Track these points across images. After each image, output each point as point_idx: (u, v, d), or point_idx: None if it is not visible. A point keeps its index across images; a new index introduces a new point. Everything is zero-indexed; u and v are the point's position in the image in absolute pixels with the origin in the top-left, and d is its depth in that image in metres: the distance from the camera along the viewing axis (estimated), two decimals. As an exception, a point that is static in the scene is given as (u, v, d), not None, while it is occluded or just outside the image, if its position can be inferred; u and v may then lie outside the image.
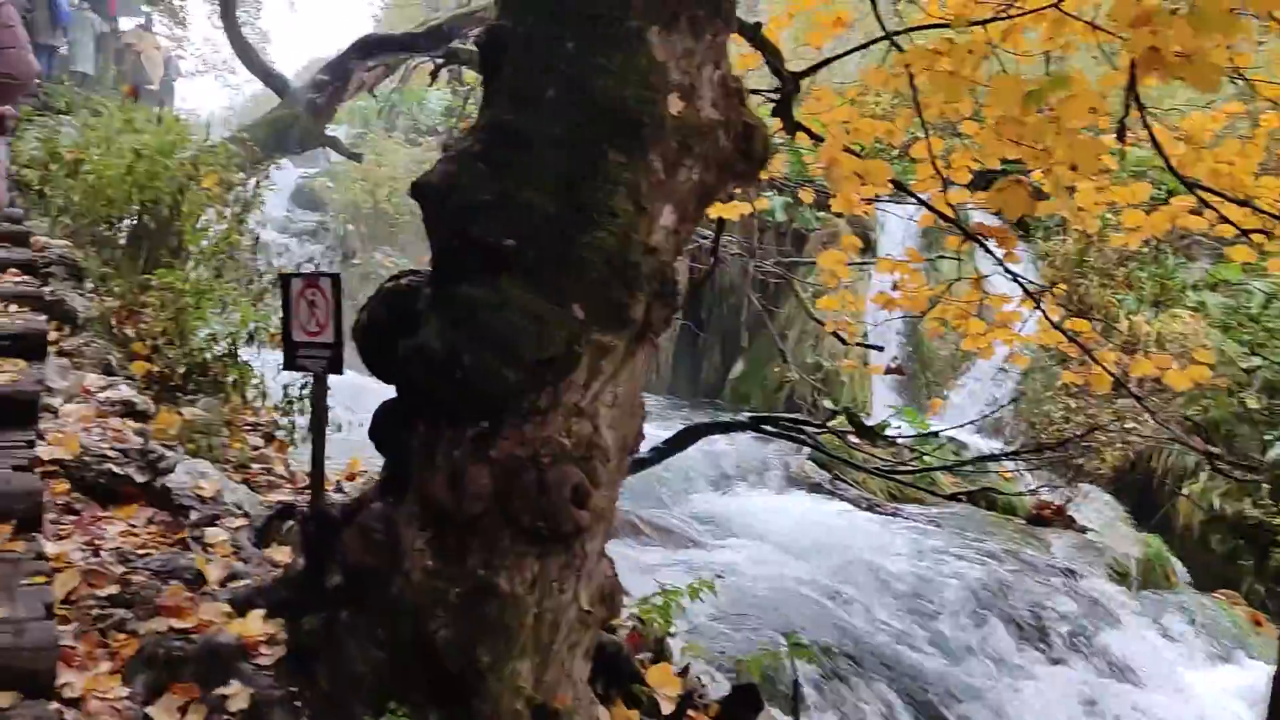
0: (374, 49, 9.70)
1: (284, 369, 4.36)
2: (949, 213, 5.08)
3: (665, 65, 2.68)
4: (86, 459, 4.19)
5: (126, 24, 17.83)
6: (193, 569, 3.21)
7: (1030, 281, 6.13)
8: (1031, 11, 4.29)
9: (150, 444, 4.77)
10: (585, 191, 2.60)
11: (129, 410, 5.12)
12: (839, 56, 5.00)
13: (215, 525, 4.01)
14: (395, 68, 11.23)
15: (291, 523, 4.19)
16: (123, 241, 7.55)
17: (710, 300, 12.88)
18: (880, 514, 7.97)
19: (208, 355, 6.09)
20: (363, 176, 11.76)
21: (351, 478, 6.13)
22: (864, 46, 5.00)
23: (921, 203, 5.17)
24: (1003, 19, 4.37)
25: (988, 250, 5.33)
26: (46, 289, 6.09)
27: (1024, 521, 8.29)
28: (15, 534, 2.86)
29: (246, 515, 4.17)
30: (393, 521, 2.66)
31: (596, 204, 2.60)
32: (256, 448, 6.01)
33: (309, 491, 5.63)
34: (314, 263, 11.58)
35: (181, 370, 6.13)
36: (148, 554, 3.32)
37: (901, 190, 5.49)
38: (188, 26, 22.14)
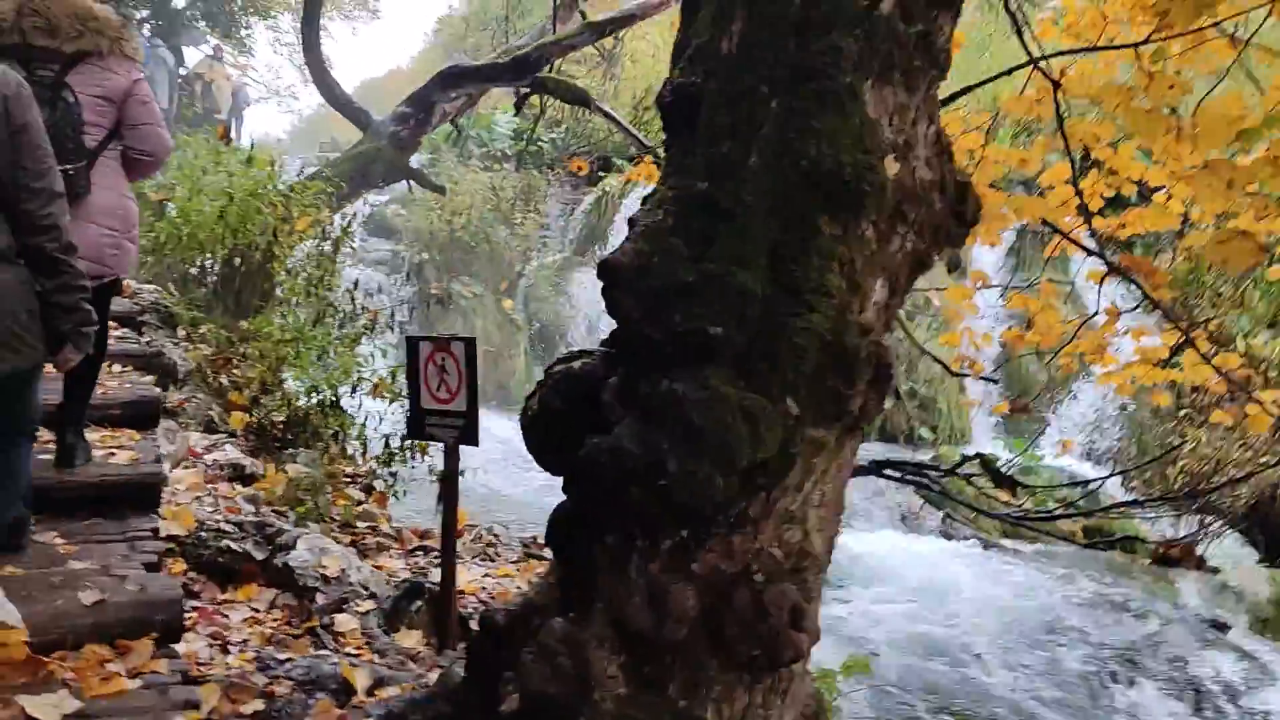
0: (458, 80, 9.51)
1: (409, 437, 4.11)
2: (1089, 243, 4.73)
3: (878, 123, 2.36)
4: (202, 534, 3.98)
5: (190, 55, 18.01)
6: (337, 677, 2.94)
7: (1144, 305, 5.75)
8: (1193, 31, 3.92)
9: (265, 513, 4.55)
10: (796, 268, 2.29)
11: (237, 473, 4.92)
12: (984, 83, 4.63)
13: (343, 610, 3.76)
14: (478, 98, 11.05)
15: (420, 603, 3.92)
16: (211, 282, 7.41)
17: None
18: (998, 554, 7.55)
19: (308, 406, 5.89)
20: (437, 203, 11.58)
21: (460, 534, 5.88)
22: (1009, 72, 4.63)
23: (1064, 235, 4.82)
24: (1161, 39, 4.00)
25: (1136, 284, 4.96)
26: (143, 339, 5.94)
27: (1149, 561, 7.80)
28: (156, 648, 2.61)
29: (373, 596, 3.91)
30: (579, 644, 2.35)
31: (808, 282, 2.28)
32: (359, 502, 5.80)
33: (419, 552, 5.39)
34: (384, 293, 11.46)
35: (281, 421, 5.94)
36: (288, 659, 3.06)
37: (1046, 224, 5.15)
38: (254, 55, 22.32)
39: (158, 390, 4.42)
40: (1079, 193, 4.39)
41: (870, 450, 10.97)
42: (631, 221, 2.45)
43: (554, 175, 14.26)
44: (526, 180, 13.40)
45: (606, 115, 9.63)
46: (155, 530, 3.31)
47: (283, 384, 6.15)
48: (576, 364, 2.64)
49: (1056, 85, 3.96)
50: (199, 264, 7.43)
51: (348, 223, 7.52)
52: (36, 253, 2.67)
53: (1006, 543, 7.73)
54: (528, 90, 9.78)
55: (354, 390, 5.74)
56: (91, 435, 3.94)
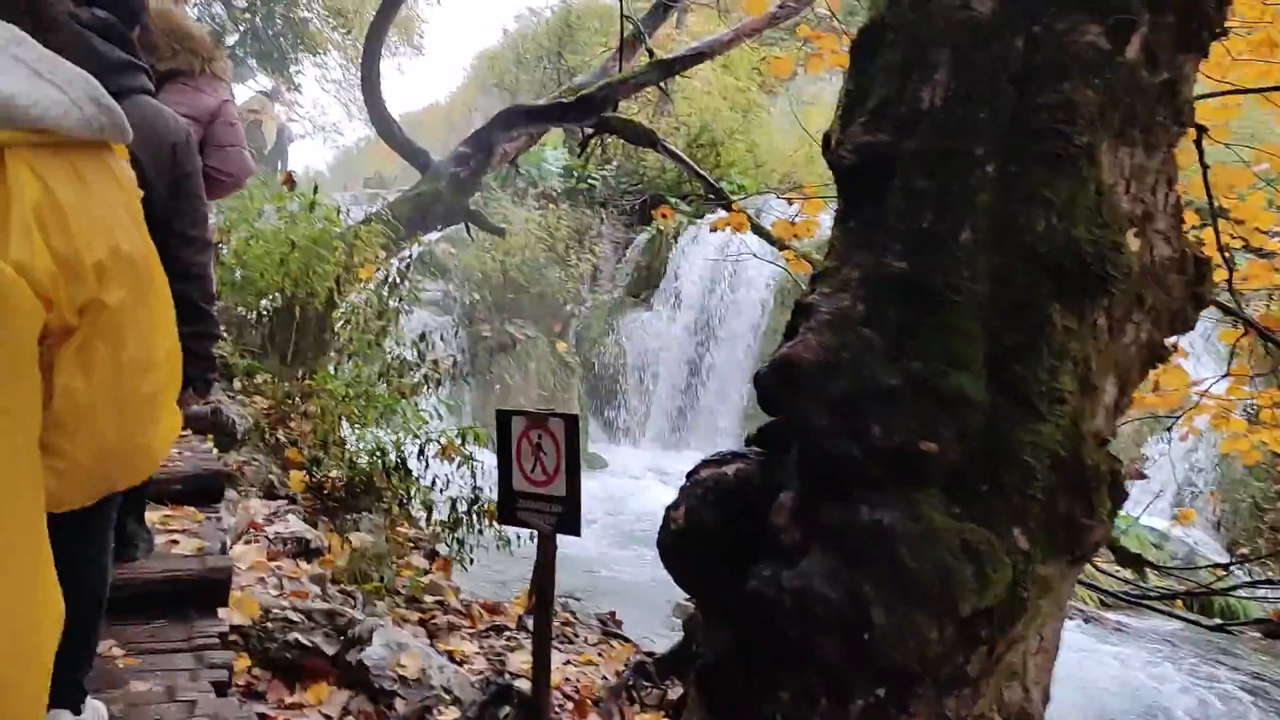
0: (519, 120, 9.22)
1: (500, 522, 3.71)
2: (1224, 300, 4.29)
3: (1115, 190, 1.95)
4: (269, 625, 3.59)
5: (238, 91, 17.96)
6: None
7: None
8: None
9: (332, 596, 4.17)
10: (1022, 369, 1.87)
11: (301, 548, 4.55)
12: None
13: (426, 719, 3.36)
14: (538, 138, 10.78)
15: (508, 710, 3.51)
16: (265, 327, 7.10)
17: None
18: (1101, 628, 7.01)
19: (371, 466, 5.52)
20: (490, 243, 11.28)
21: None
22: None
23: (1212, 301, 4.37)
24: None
25: (1275, 343, 4.55)
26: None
27: (1261, 635, 7.22)
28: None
29: (457, 701, 3.50)
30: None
31: (1038, 386, 1.87)
32: (425, 572, 5.42)
33: (491, 633, 4.98)
34: (434, 332, 11.10)
35: (342, 482, 5.58)
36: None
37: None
38: (301, 91, 22.34)
39: (221, 464, 4.06)
40: (1222, 249, 3.98)
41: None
42: (804, 308, 2.04)
43: (605, 213, 13.95)
44: (578, 219, 13.09)
45: (674, 156, 9.29)
46: (223, 636, 2.93)
47: (344, 442, 5.80)
48: (729, 469, 2.23)
49: (1202, 131, 3.54)
50: (255, 309, 7.13)
51: (407, 267, 7.20)
52: (181, 299, 2.48)
53: (1108, 616, 7.19)
54: (592, 131, 9.47)
55: (421, 453, 5.37)
56: (151, 515, 3.59)
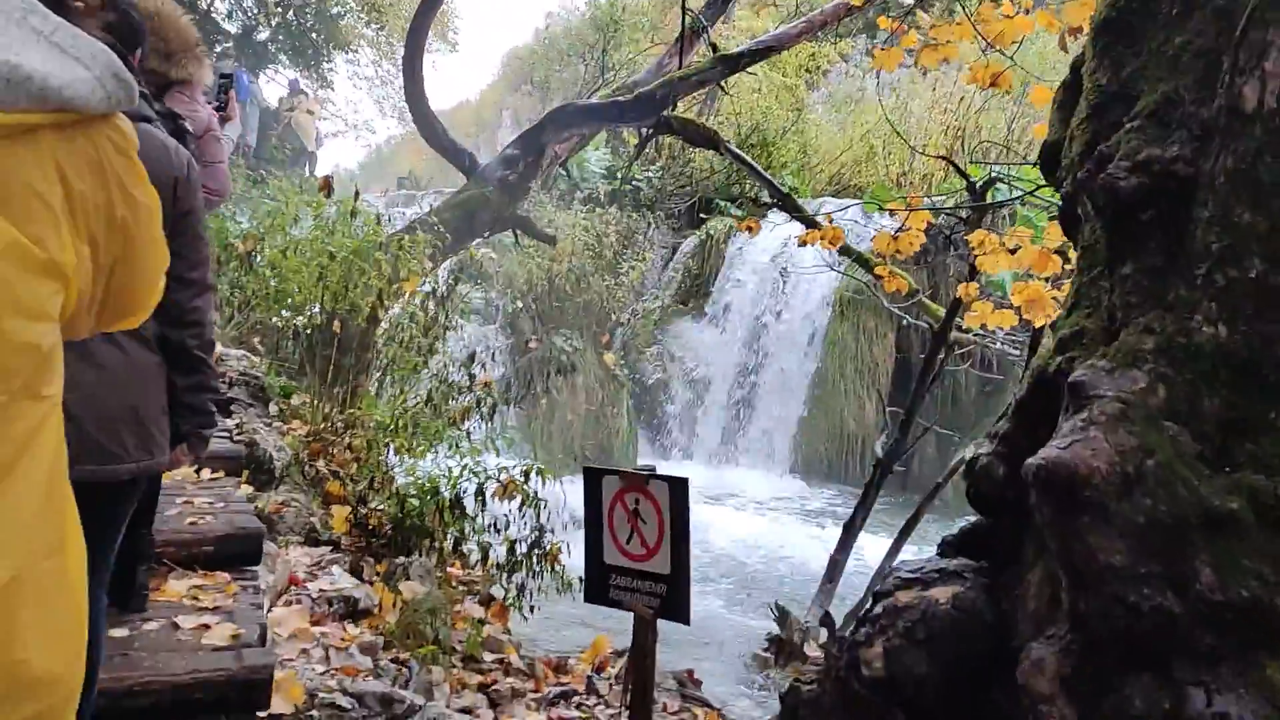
0: (573, 120, 8.67)
1: (589, 600, 3.17)
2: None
3: None
4: (314, 714, 3.06)
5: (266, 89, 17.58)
6: None
7: None
8: None
9: (385, 668, 3.65)
10: None
11: (349, 608, 4.03)
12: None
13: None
14: (590, 138, 10.24)
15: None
16: (303, 344, 6.62)
17: (918, 380, 11.40)
18: None
19: (424, 504, 5.00)
20: (536, 249, 10.75)
21: (601, 668, 4.95)
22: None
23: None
24: None
25: None
26: (233, 425, 5.14)
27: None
28: None
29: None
30: None
31: None
32: (481, 621, 4.90)
33: (560, 701, 4.45)
34: (480, 344, 10.62)
35: (390, 523, 5.07)
36: None
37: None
38: (333, 89, 21.93)
39: (258, 521, 3.54)
40: None
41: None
42: (1073, 388, 1.48)
43: (653, 217, 13.38)
44: (626, 223, 12.54)
45: (738, 158, 8.70)
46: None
47: (391, 476, 5.29)
48: (940, 595, 1.66)
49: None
50: (291, 324, 6.65)
51: (455, 280, 6.69)
52: (177, 347, 2.41)
53: None
54: (651, 131, 8.92)
55: (480, 494, 4.84)
56: (178, 584, 3.09)
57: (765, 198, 14.58)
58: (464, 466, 4.97)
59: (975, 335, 9.00)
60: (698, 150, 14.06)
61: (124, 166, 1.14)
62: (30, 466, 1.03)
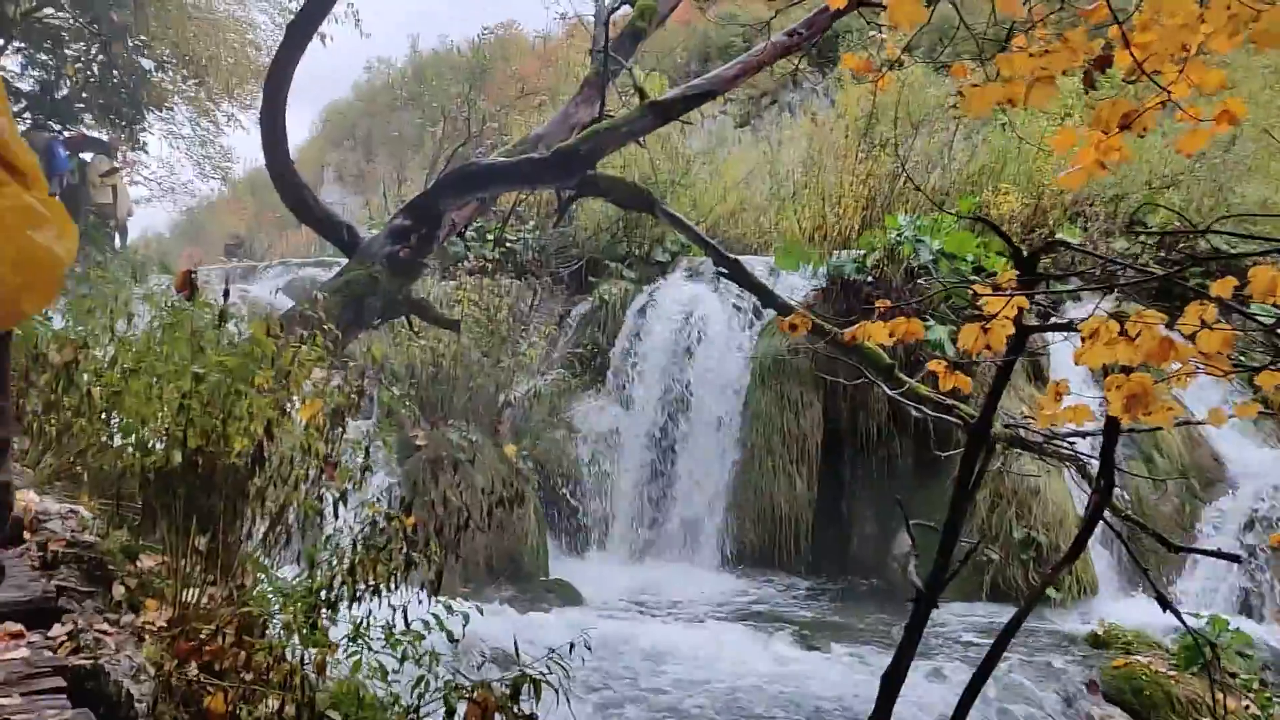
0: (475, 182, 7.25)
1: None
2: None
3: None
4: None
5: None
6: None
7: None
8: None
9: None
10: None
11: None
12: None
13: None
14: (494, 202, 8.84)
15: None
16: (150, 486, 4.93)
17: (851, 452, 10.44)
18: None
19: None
20: (418, 330, 9.21)
21: None
22: None
23: None
24: None
25: None
26: (64, 634, 3.49)
27: None
28: None
29: None
30: None
31: None
32: None
33: None
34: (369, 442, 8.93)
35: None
36: None
37: None
38: (146, 151, 19.58)
39: None
40: None
41: (980, 613, 8.88)
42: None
43: (538, 283, 12.03)
44: (514, 293, 11.14)
45: (676, 222, 7.50)
46: None
47: (309, 691, 3.76)
48: None
49: None
50: (134, 462, 4.95)
51: (359, 390, 5.18)
52: None
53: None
54: (573, 193, 7.64)
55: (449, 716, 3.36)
56: None
57: (659, 257, 13.52)
58: (419, 678, 3.50)
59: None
60: (580, 206, 12.86)
61: None
62: None
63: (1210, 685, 6.15)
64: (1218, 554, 4.35)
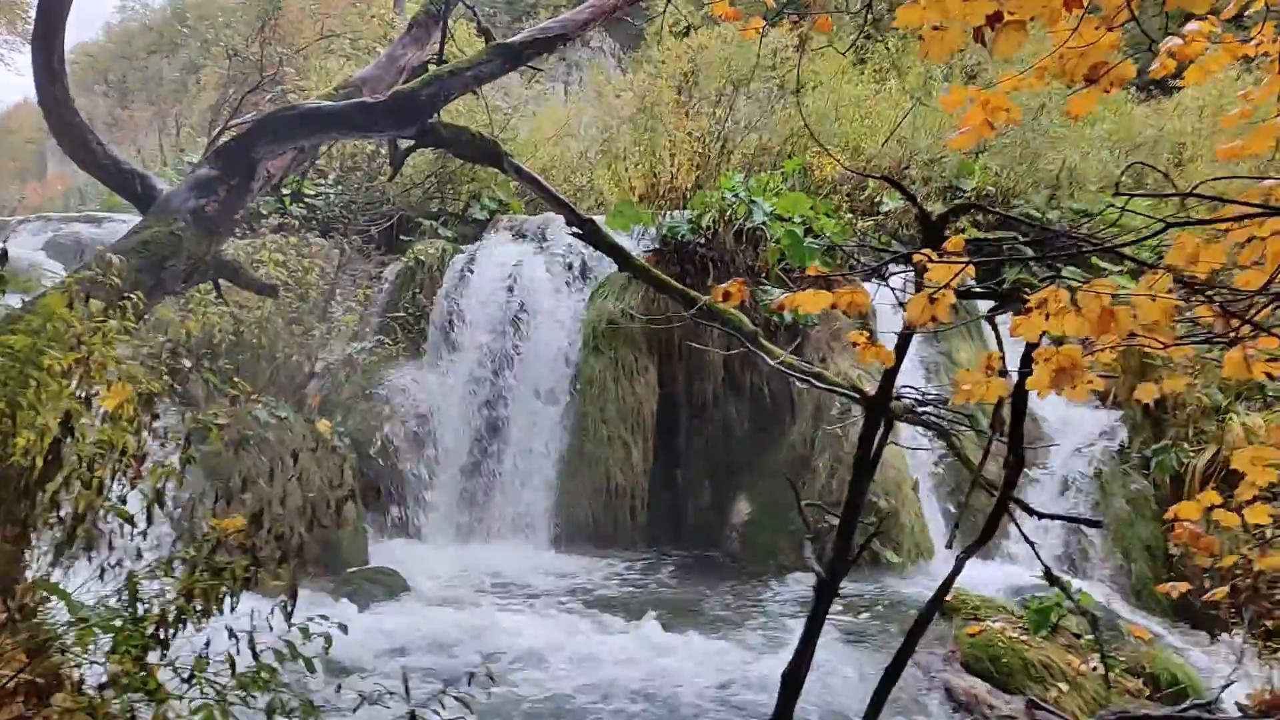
0: (296, 128, 6.28)
1: None
2: None
3: None
4: None
5: None
6: None
7: None
8: None
9: None
10: None
11: None
12: None
13: None
14: (314, 151, 7.80)
15: None
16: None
17: (687, 419, 10.17)
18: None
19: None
20: (217, 295, 8.13)
21: None
22: None
23: None
24: None
25: None
26: None
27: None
28: None
29: None
30: None
31: None
32: None
33: None
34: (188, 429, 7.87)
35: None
36: None
37: None
38: None
39: None
40: None
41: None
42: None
43: (346, 243, 11.01)
44: (322, 253, 10.12)
45: (525, 177, 6.85)
46: None
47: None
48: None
49: None
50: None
51: (170, 370, 4.32)
52: None
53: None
54: (412, 143, 6.81)
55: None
56: None
57: (477, 214, 12.74)
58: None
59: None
60: (387, 162, 11.90)
61: None
62: None
63: (1101, 657, 6.25)
64: (1082, 520, 4.29)
